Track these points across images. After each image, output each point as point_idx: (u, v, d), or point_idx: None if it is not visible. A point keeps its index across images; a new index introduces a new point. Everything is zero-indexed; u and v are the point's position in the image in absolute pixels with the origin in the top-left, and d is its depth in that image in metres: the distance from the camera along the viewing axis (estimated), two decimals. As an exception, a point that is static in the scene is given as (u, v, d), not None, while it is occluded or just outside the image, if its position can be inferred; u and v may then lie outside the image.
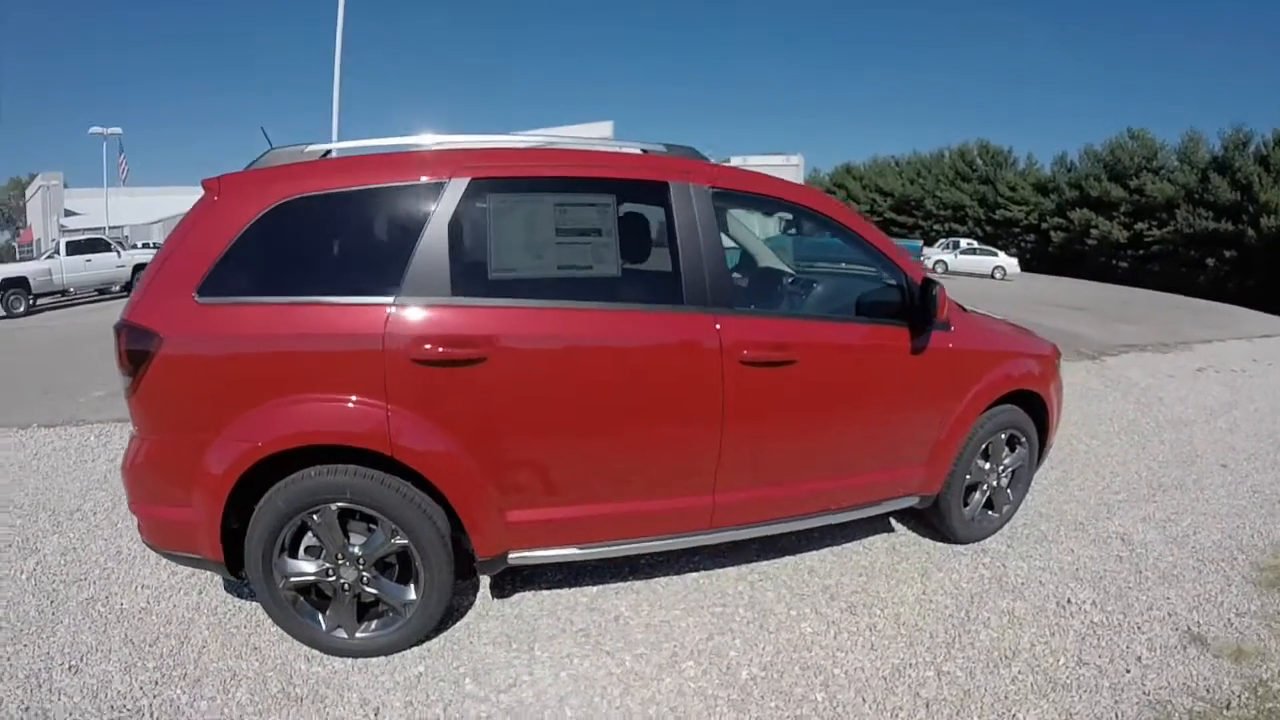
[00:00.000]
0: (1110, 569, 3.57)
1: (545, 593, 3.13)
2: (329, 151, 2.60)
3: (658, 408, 2.66)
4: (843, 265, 4.61)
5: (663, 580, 3.31)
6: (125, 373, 2.34)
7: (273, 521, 2.38)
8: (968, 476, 3.61)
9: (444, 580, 2.54)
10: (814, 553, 3.71)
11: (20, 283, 16.35)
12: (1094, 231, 34.76)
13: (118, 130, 26.62)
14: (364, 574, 2.51)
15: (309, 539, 2.51)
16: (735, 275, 4.36)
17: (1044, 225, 38.53)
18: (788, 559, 3.64)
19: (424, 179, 2.44)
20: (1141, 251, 33.09)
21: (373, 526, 2.49)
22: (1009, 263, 28.35)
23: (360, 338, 2.29)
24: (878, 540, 3.86)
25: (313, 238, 2.45)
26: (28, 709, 2.34)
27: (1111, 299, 20.83)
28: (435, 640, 2.73)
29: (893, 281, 3.20)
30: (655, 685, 2.58)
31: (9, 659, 2.61)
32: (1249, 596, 3.35)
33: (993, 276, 27.47)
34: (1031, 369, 3.70)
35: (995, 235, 40.49)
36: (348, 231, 2.49)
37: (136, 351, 2.29)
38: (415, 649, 2.67)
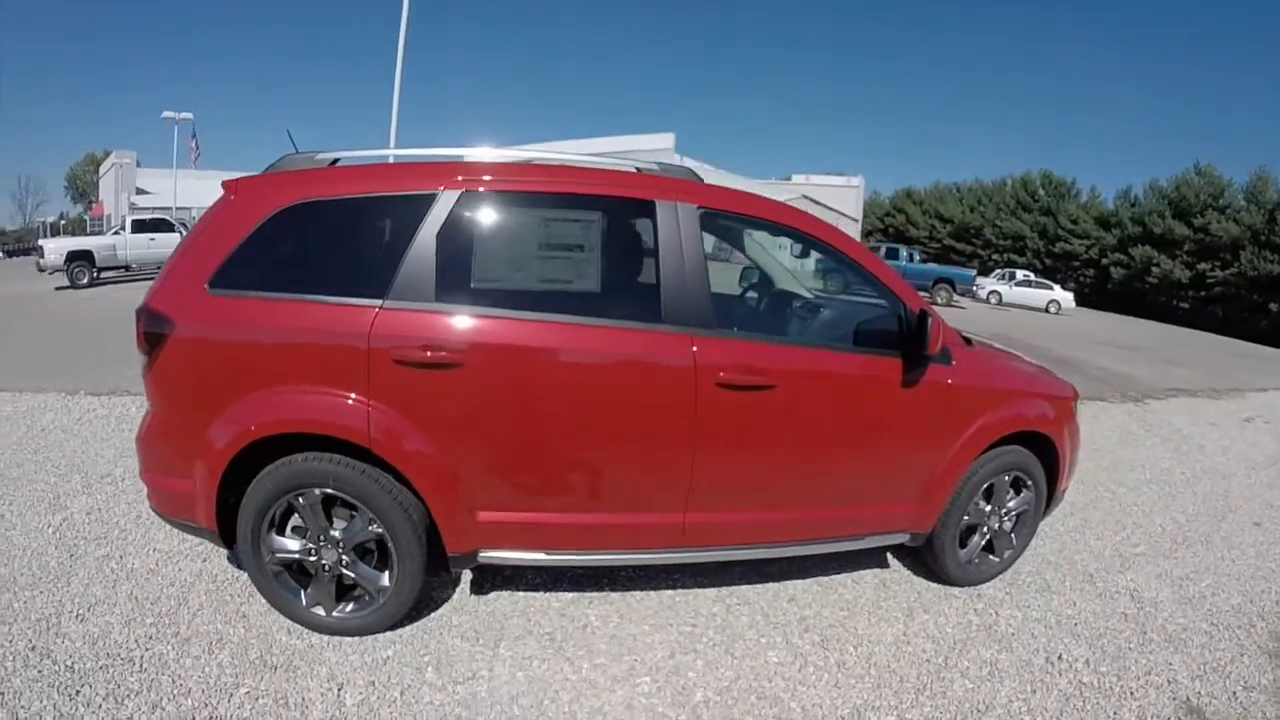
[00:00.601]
0: (1112, 627, 3.35)
1: (521, 594, 3.16)
2: (337, 160, 2.75)
3: (629, 423, 2.67)
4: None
5: (638, 594, 3.28)
6: (142, 352, 2.56)
7: (262, 500, 2.54)
8: (965, 517, 3.44)
9: (415, 571, 2.64)
10: (798, 581, 3.58)
11: (85, 256, 17.03)
12: (1155, 270, 33.41)
13: (189, 115, 27.69)
14: (343, 557, 2.65)
15: (296, 519, 2.66)
16: (750, 296, 4.31)
17: (1104, 260, 37.17)
18: (770, 585, 3.53)
19: (419, 190, 2.57)
20: (1203, 293, 31.64)
21: (354, 513, 2.62)
22: (1064, 297, 27.36)
23: (348, 336, 2.44)
24: (868, 575, 3.71)
25: (315, 240, 2.63)
26: (34, 648, 2.58)
27: (1167, 340, 19.94)
28: (408, 627, 2.81)
29: (891, 311, 3.08)
30: (606, 696, 2.57)
31: (26, 603, 2.86)
32: (1261, 669, 3.10)
33: (1047, 310, 26.55)
34: (1042, 410, 3.51)
35: (1054, 268, 39.24)
36: (346, 236, 2.63)
37: (152, 334, 2.51)
38: (388, 633, 2.76)
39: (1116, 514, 4.88)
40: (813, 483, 3.06)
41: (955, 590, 3.59)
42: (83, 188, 66.72)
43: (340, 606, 2.73)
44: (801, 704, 2.63)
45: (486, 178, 2.65)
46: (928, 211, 51.79)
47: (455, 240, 2.57)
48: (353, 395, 2.46)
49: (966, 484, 3.33)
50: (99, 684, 2.39)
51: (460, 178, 2.60)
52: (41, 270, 16.83)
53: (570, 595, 3.20)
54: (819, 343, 3.23)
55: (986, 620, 3.34)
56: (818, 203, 53.75)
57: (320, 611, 2.72)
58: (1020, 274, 29.87)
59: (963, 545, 3.55)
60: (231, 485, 2.57)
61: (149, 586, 3.00)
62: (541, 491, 2.71)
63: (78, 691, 2.35)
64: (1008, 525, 3.62)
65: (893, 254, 26.09)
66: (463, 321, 2.50)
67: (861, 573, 3.73)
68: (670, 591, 3.33)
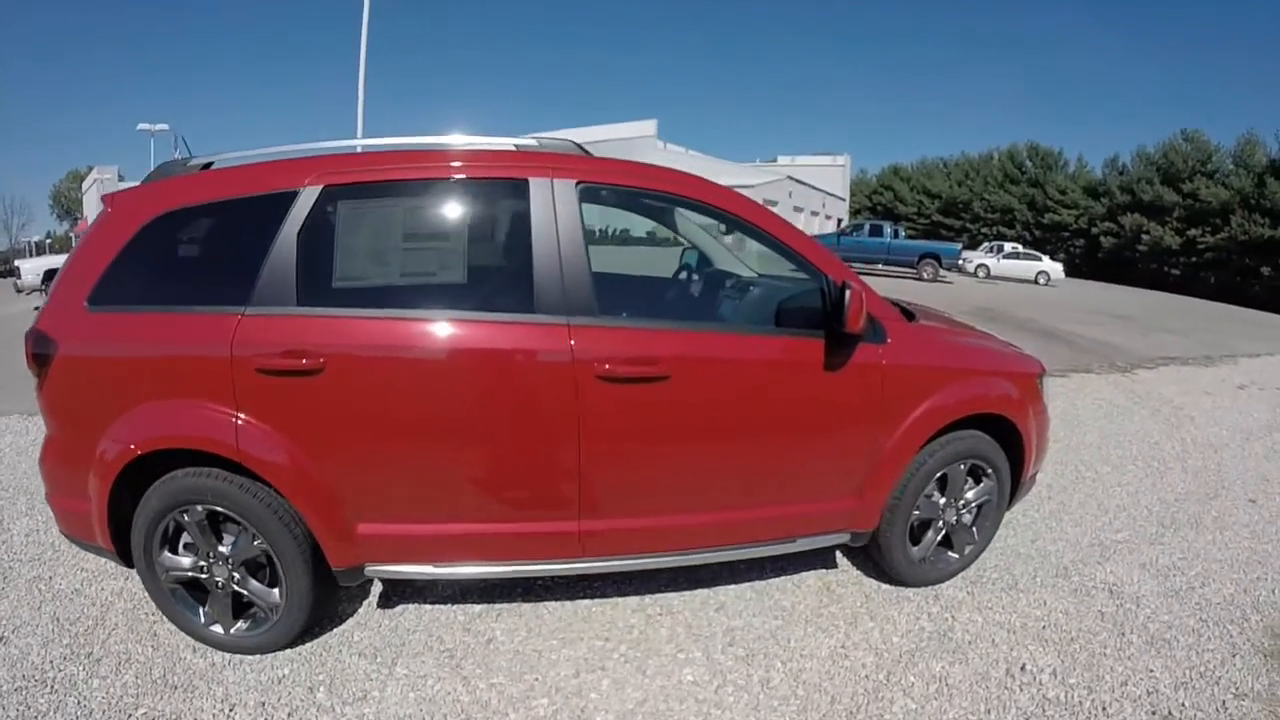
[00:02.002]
0: (1086, 628, 2.91)
1: (428, 608, 2.94)
2: (210, 164, 2.60)
3: (506, 424, 2.44)
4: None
5: (552, 605, 2.98)
6: (33, 373, 2.49)
7: (150, 517, 2.46)
8: (915, 511, 3.02)
9: (303, 587, 2.50)
10: (731, 587, 3.17)
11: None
12: (1145, 237, 32.95)
13: (164, 126, 27.09)
14: (233, 574, 2.54)
15: (187, 536, 2.55)
16: (684, 279, 3.86)
17: (1094, 230, 36.68)
18: (699, 592, 3.12)
19: (280, 188, 2.42)
20: (1194, 259, 31.16)
21: (241, 529, 2.51)
22: (1053, 268, 26.90)
23: (213, 346, 2.33)
24: (810, 578, 3.27)
25: (182, 249, 2.55)
26: None
27: (1158, 307, 19.48)
28: (309, 644, 2.68)
29: (815, 286, 2.64)
30: None
31: None
32: (1255, 672, 2.66)
33: (1036, 282, 26.10)
34: (1001, 390, 3.08)
35: (1044, 240, 38.74)
36: (212, 242, 2.56)
37: (39, 355, 2.44)
38: (289, 650, 2.64)
39: (1098, 496, 4.43)
40: (724, 482, 2.69)
41: (909, 592, 3.15)
42: (67, 205, 66.27)
43: (237, 625, 2.61)
44: (709, 735, 2.23)
45: (350, 170, 2.46)
46: (915, 188, 51.20)
47: (317, 239, 2.40)
48: (220, 408, 2.34)
49: (913, 475, 2.91)
50: (11, 705, 2.38)
51: (322, 172, 2.43)
52: (19, 291, 16.39)
53: (479, 608, 2.94)
54: (727, 326, 2.82)
55: (940, 626, 2.90)
56: (804, 183, 53.31)
57: (219, 629, 2.61)
58: (1009, 246, 29.37)
59: (916, 542, 3.12)
60: (126, 503, 2.48)
61: (71, 607, 2.95)
62: (420, 501, 2.48)
63: None
64: (967, 518, 3.18)
65: (876, 231, 25.54)
66: (322, 324, 2.33)
67: (803, 575, 3.29)
68: (588, 601, 3.02)
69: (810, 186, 53.04)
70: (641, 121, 54.33)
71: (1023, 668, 2.64)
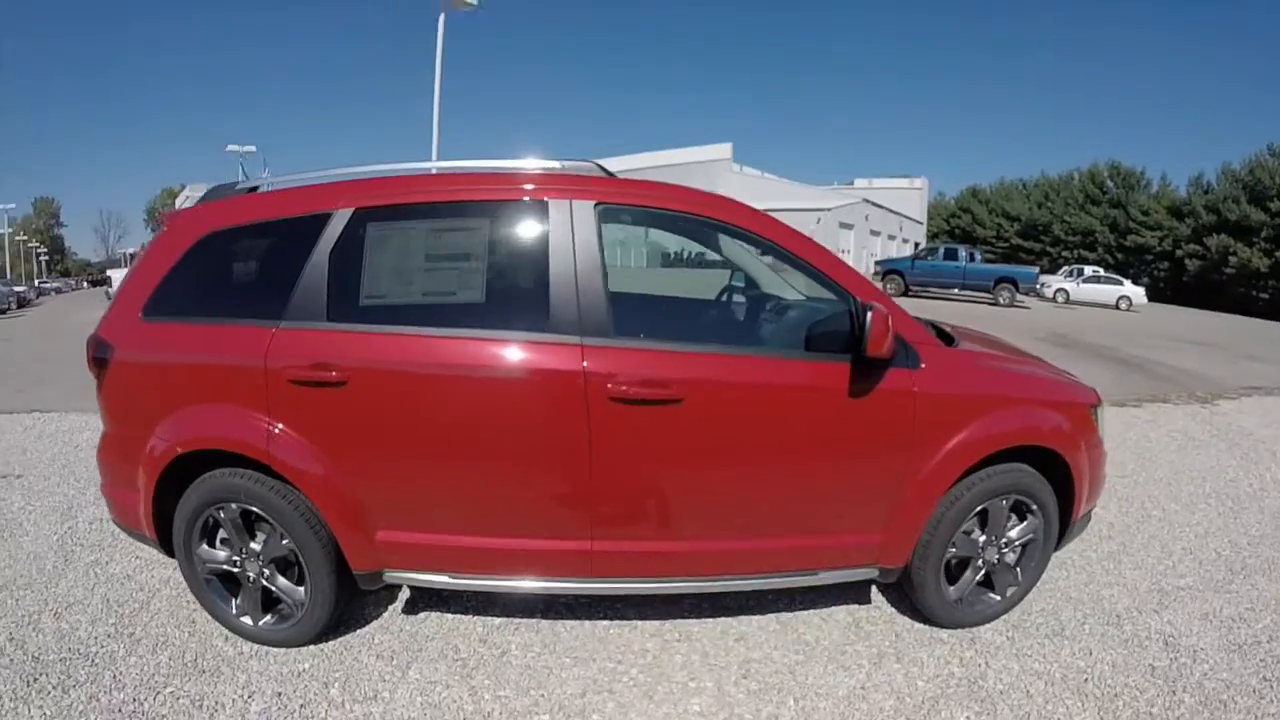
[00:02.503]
0: (1134, 683, 2.69)
1: (450, 616, 2.98)
2: (256, 187, 2.78)
3: (518, 441, 2.46)
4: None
5: (570, 624, 2.97)
6: (94, 375, 2.69)
7: (190, 512, 2.60)
8: (952, 548, 2.86)
9: (326, 587, 2.59)
10: (755, 617, 3.08)
11: None
12: (1232, 259, 30.76)
13: (252, 148, 28.69)
14: (263, 570, 2.65)
15: (223, 532, 2.67)
16: (724, 301, 3.81)
17: (1178, 252, 34.53)
18: (720, 620, 3.05)
19: (315, 210, 2.54)
20: (1284, 282, 28.90)
21: (271, 528, 2.61)
22: (1134, 292, 25.39)
23: (251, 357, 2.46)
24: (840, 612, 3.15)
25: (228, 267, 2.73)
26: (12, 639, 2.80)
27: (1245, 333, 18.14)
28: (332, 642, 2.76)
29: (843, 309, 2.52)
30: None
31: (17, 600, 3.10)
32: (1326, 743, 2.42)
33: (1117, 307, 24.68)
34: (1049, 421, 2.88)
35: (1126, 263, 36.68)
36: (254, 260, 2.72)
37: (98, 359, 2.65)
38: (312, 646, 2.72)
39: (1163, 537, 4.12)
40: (739, 510, 2.61)
41: (944, 634, 2.99)
42: (161, 219, 71.20)
43: (265, 618, 2.71)
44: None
45: (380, 193, 2.58)
46: (994, 210, 49.43)
47: (347, 258, 2.51)
48: (255, 414, 2.46)
49: (948, 510, 2.75)
50: (54, 674, 2.55)
51: (354, 195, 2.55)
52: (109, 299, 17.59)
53: (498, 621, 2.95)
54: (748, 350, 2.72)
55: (972, 672, 2.73)
56: (880, 206, 52.27)
57: (248, 621, 2.72)
58: (1088, 270, 27.94)
59: (953, 581, 2.96)
60: (171, 497, 2.63)
61: (121, 590, 3.15)
62: (435, 512, 2.54)
63: (35, 679, 2.52)
64: (1010, 557, 3.00)
65: (951, 254, 24.73)
66: (348, 339, 2.44)
67: (833, 609, 3.17)
68: (606, 623, 2.98)
69: (887, 209, 51.93)
70: (717, 145, 54.56)
71: (1057, 723, 2.47)
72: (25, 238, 72.60)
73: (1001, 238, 47.52)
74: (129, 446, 2.63)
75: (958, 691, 2.62)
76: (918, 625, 3.04)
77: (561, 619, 2.99)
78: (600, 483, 2.46)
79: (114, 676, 2.53)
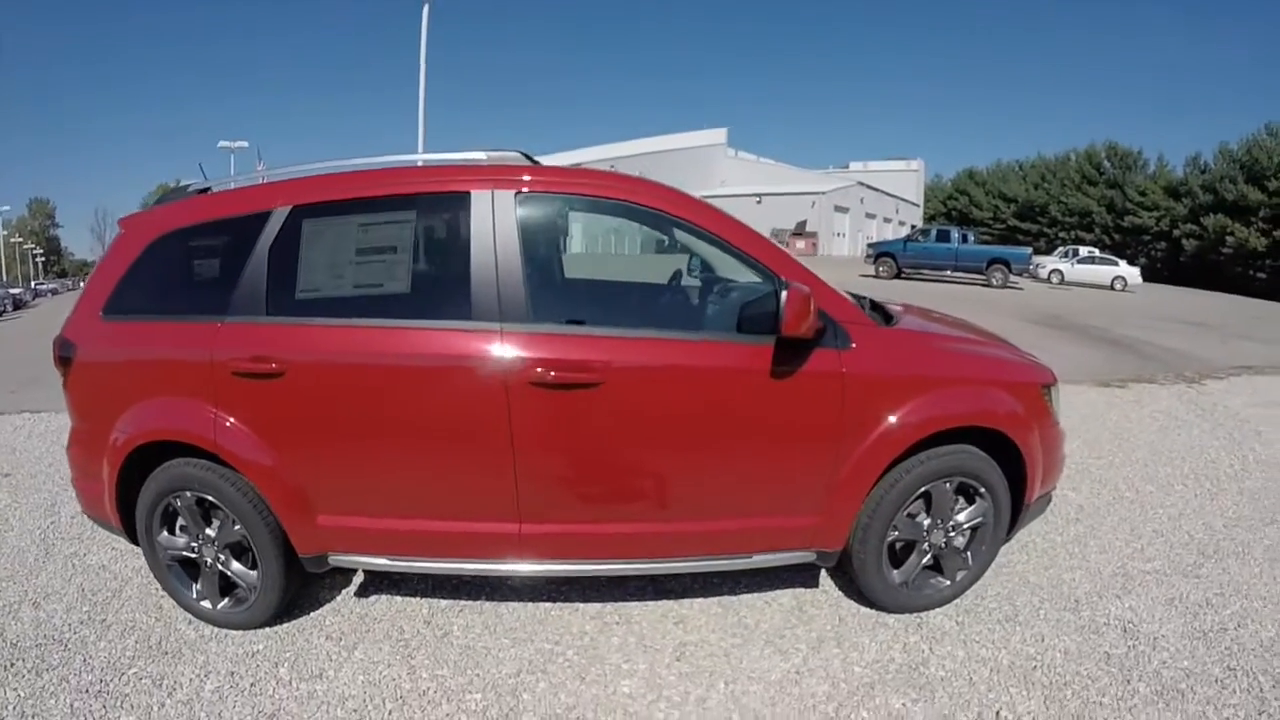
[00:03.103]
0: (1086, 672, 2.51)
1: (398, 599, 2.99)
2: (208, 189, 2.81)
3: (446, 427, 2.47)
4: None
5: (513, 605, 2.92)
6: (60, 373, 2.76)
7: (149, 501, 2.66)
8: (894, 531, 2.69)
9: (275, 570, 2.62)
10: (698, 600, 2.93)
11: None
12: (1229, 239, 30.29)
13: (244, 144, 28.25)
14: (219, 555, 2.69)
15: (182, 519, 2.72)
16: (679, 285, 3.64)
17: (1175, 232, 34.05)
18: (663, 603, 2.91)
19: (256, 210, 2.59)
20: (1281, 261, 28.52)
21: (224, 515, 2.65)
22: (1129, 273, 25.03)
23: (198, 351, 2.52)
24: (785, 595, 2.98)
25: (179, 266, 2.77)
26: None
27: (1239, 313, 17.84)
28: (286, 624, 2.80)
29: (769, 289, 2.40)
30: (430, 710, 2.35)
31: (0, 593, 3.15)
32: (1287, 738, 2.23)
33: (1112, 287, 24.32)
34: (996, 402, 2.71)
35: (1123, 244, 36.22)
36: (201, 259, 2.77)
37: (63, 358, 2.72)
38: (267, 629, 2.76)
39: (1134, 520, 3.92)
40: (665, 493, 2.55)
41: (890, 619, 2.81)
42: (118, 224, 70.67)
43: (224, 602, 2.75)
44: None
45: (314, 191, 2.61)
46: (990, 192, 48.83)
47: (284, 254, 2.55)
48: (205, 406, 2.51)
49: (888, 493, 2.60)
50: (30, 658, 2.64)
51: (290, 194, 2.60)
52: None
53: (445, 603, 2.94)
54: (671, 333, 2.58)
55: (914, 658, 2.55)
56: (876, 189, 51.79)
57: (208, 605, 2.76)
58: (1084, 251, 27.54)
59: (898, 564, 2.79)
60: (134, 487, 2.69)
61: (96, 580, 3.21)
62: (372, 497, 2.56)
63: (11, 664, 2.60)
64: (959, 541, 2.81)
65: (943, 236, 24.28)
66: (284, 332, 2.49)
67: (778, 593, 3.00)
68: (548, 605, 2.93)
69: (882, 192, 51.39)
70: (712, 130, 53.99)
71: (997, 714, 2.27)
72: (21, 240, 70.90)
73: (998, 219, 46.99)
74: (94, 440, 2.69)
75: (896, 678, 2.44)
76: (864, 610, 2.87)
77: (505, 601, 2.94)
78: (525, 466, 2.43)
79: (84, 660, 2.61)
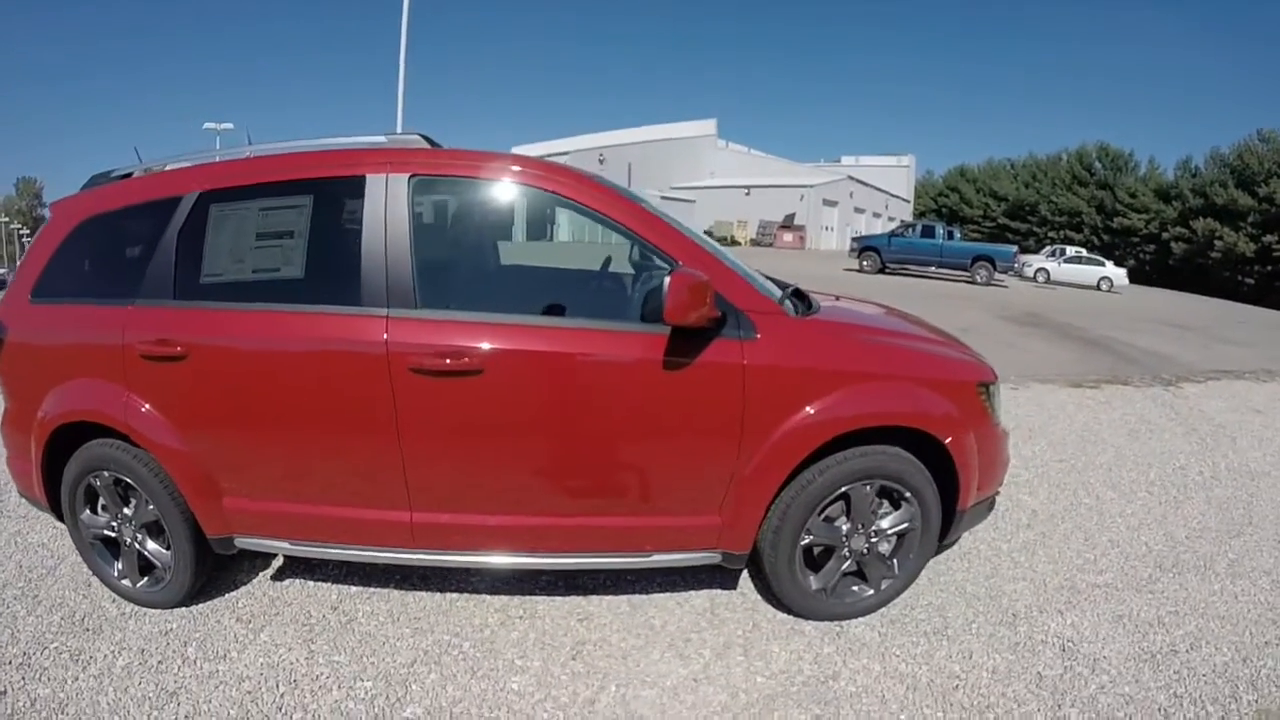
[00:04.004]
0: (1013, 694, 2.23)
1: (310, 584, 2.91)
2: (130, 174, 2.78)
3: (335, 414, 2.39)
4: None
5: (421, 595, 2.82)
6: None
7: (72, 480, 2.67)
8: (808, 535, 2.42)
9: (187, 550, 2.59)
10: (607, 598, 2.70)
11: None
12: (1218, 243, 29.97)
13: (229, 125, 27.26)
14: (136, 534, 2.67)
15: (102, 499, 2.70)
16: (602, 271, 3.45)
17: (1165, 235, 33.72)
18: (571, 599, 2.72)
19: (168, 195, 2.56)
20: (1270, 267, 28.17)
21: (139, 495, 2.62)
22: (1116, 274, 24.70)
23: (110, 334, 2.49)
24: (699, 597, 2.71)
25: (98, 250, 2.73)
26: None
27: (1224, 317, 17.54)
28: (202, 604, 2.76)
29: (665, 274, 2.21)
30: (321, 695, 2.28)
31: None
32: (1229, 780, 1.96)
33: (1098, 288, 24.01)
34: (923, 400, 2.43)
35: (1112, 245, 35.87)
36: (118, 243, 2.72)
37: None
38: (184, 609, 2.73)
39: (1089, 528, 3.64)
40: (553, 486, 2.39)
41: (808, 626, 2.53)
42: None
43: (143, 580, 2.72)
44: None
45: (220, 176, 2.58)
46: (982, 190, 48.38)
47: (191, 239, 2.52)
48: (117, 388, 2.50)
49: (799, 494, 2.33)
50: None
51: (199, 180, 2.56)
52: None
53: (354, 589, 2.85)
54: (560, 321, 2.39)
55: (824, 671, 2.27)
56: (866, 184, 51.27)
57: (128, 583, 2.73)
58: (1071, 250, 27.24)
59: (817, 569, 2.51)
60: (59, 466, 2.69)
61: (34, 557, 3.20)
62: (271, 481, 2.52)
63: None
64: (883, 548, 2.52)
65: (928, 232, 23.86)
66: (188, 316, 2.45)
67: (691, 594, 2.72)
68: (455, 595, 2.80)
69: (872, 187, 50.82)
70: (702, 121, 53.20)
71: (906, 742, 2.01)
72: (8, 219, 69.04)
73: (989, 217, 46.60)
74: (23, 420, 2.70)
75: (800, 691, 2.17)
76: (781, 616, 2.59)
77: (414, 590, 2.83)
78: (411, 454, 2.33)
79: (12, 634, 2.63)
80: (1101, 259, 26.60)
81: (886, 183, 52.39)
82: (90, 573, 2.91)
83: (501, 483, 2.38)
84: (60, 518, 2.81)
